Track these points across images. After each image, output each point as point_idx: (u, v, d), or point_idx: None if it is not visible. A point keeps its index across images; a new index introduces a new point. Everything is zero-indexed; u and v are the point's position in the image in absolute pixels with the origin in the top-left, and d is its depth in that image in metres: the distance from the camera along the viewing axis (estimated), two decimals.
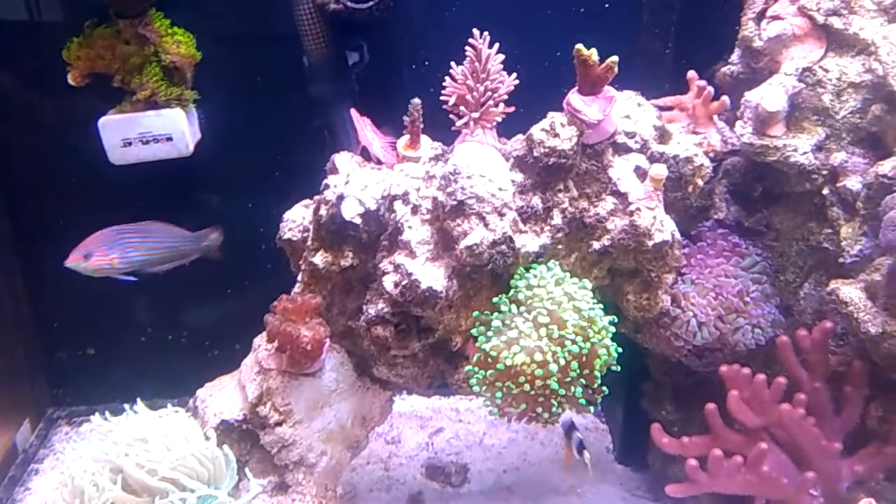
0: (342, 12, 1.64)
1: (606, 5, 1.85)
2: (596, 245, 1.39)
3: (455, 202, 1.25)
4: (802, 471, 1.26)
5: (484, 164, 1.28)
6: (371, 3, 1.62)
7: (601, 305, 1.36)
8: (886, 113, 1.29)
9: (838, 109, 1.36)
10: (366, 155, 1.47)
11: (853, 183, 1.32)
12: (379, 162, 1.45)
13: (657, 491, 1.75)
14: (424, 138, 1.42)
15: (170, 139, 1.68)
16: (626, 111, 1.44)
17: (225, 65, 1.79)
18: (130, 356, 2.06)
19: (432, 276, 1.26)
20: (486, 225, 1.26)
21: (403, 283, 1.25)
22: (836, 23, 1.35)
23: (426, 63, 1.88)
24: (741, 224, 1.50)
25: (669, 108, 1.56)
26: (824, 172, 1.37)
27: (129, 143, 1.66)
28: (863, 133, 1.35)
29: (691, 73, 1.52)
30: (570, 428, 1.51)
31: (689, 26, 1.64)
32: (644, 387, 1.72)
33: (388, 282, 1.27)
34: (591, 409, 1.34)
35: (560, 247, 1.41)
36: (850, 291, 1.24)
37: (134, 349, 2.06)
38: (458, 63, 1.32)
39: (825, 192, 1.37)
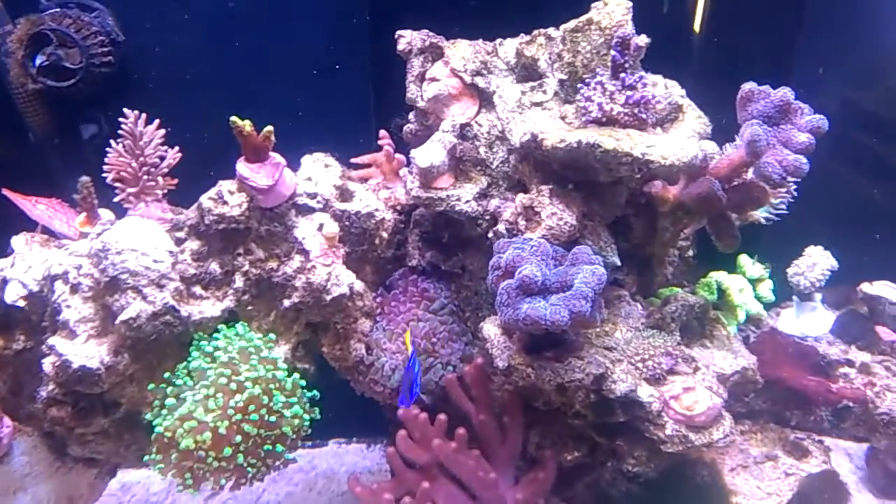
0: (46, 91, 1.66)
1: (337, 66, 1.96)
2: (287, 303, 1.44)
3: (108, 278, 1.28)
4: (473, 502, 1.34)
5: (137, 238, 1.31)
6: (72, 81, 1.65)
7: (285, 368, 1.40)
8: (520, 162, 1.42)
9: (492, 160, 1.48)
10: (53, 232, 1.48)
11: (501, 226, 1.43)
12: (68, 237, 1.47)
13: None
14: (106, 212, 1.45)
15: None
16: (308, 173, 1.52)
17: None
18: None
19: (88, 354, 1.28)
20: (144, 298, 1.30)
21: (57, 363, 1.26)
22: (480, 82, 1.48)
23: (168, 130, 1.92)
24: (438, 268, 1.60)
25: (368, 166, 1.65)
26: (487, 217, 1.48)
27: None
28: (513, 180, 1.47)
29: (382, 132, 1.63)
30: None
31: (391, 86, 1.75)
32: (390, 428, 1.78)
33: (48, 364, 1.28)
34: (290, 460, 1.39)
35: (251, 308, 1.46)
36: (490, 328, 1.34)
37: None
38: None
39: (490, 235, 1.48)
